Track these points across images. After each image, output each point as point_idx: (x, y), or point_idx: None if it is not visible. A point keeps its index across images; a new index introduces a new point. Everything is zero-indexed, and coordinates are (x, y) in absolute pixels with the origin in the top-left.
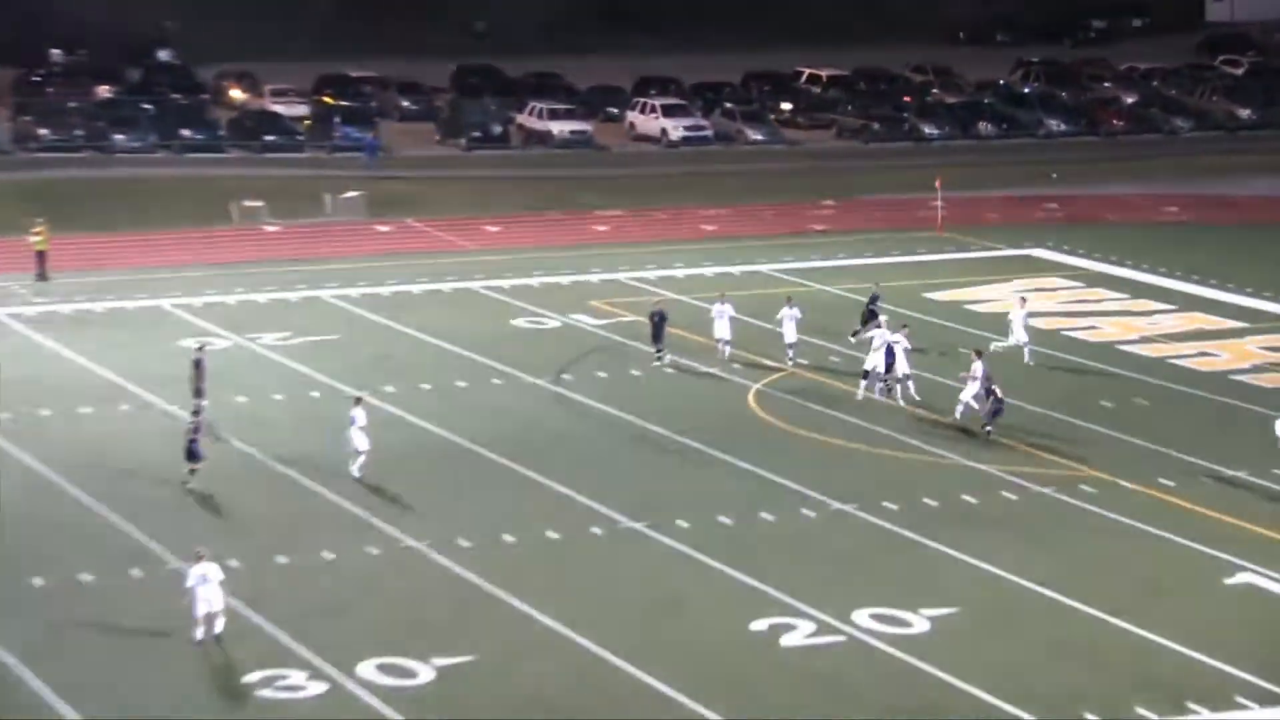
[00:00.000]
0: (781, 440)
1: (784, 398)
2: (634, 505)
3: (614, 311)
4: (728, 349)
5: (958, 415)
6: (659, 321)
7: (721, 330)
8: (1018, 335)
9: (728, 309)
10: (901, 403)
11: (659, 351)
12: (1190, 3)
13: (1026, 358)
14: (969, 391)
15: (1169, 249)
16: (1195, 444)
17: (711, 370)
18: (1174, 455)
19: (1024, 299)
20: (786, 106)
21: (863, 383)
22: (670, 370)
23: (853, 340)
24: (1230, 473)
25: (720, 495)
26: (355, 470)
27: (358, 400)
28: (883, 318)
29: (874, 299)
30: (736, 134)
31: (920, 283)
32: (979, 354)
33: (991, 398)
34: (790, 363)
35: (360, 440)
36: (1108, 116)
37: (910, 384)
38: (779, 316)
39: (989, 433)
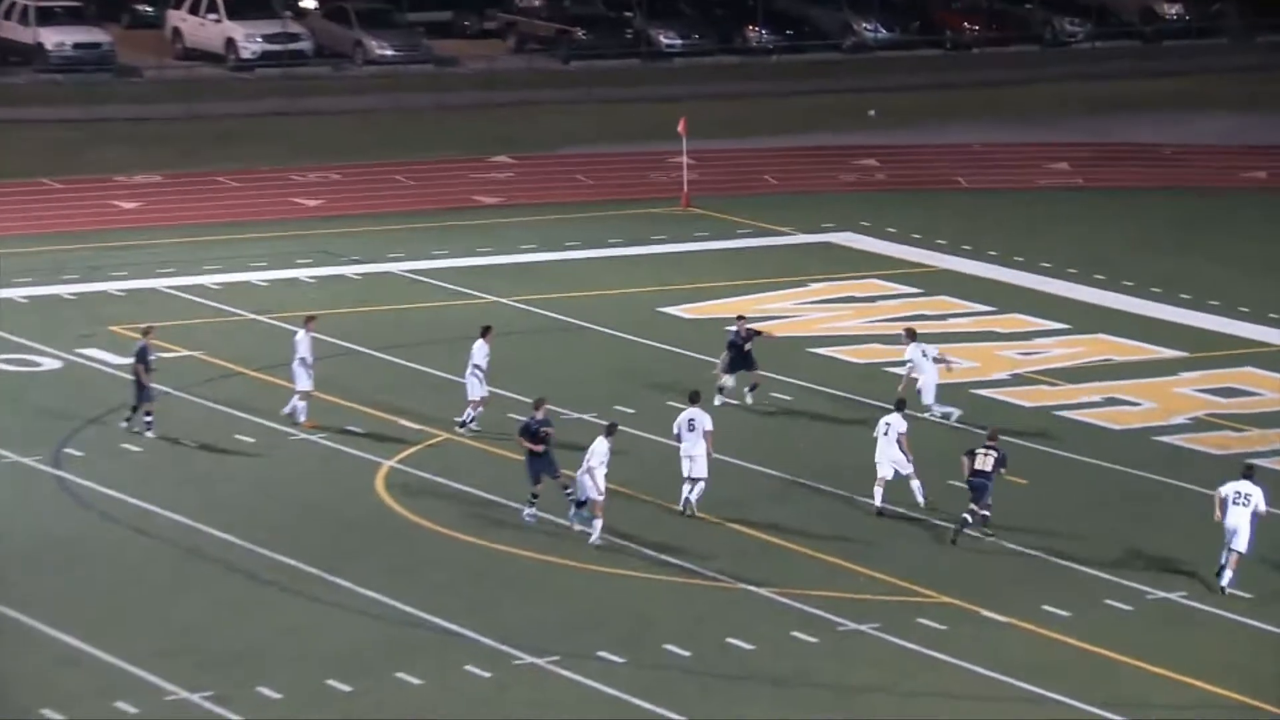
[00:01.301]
0: (427, 550)
1: (432, 481)
2: (188, 670)
3: (160, 345)
4: (296, 409)
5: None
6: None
7: (304, 376)
8: (927, 389)
9: (302, 341)
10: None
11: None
12: None
13: (934, 407)
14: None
15: (1057, 233)
16: (1103, 548)
17: (310, 436)
18: (1067, 567)
19: (911, 331)
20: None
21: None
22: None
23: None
24: (1158, 595)
25: (337, 650)
26: None
27: None
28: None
29: (745, 337)
30: (353, 48)
31: (654, 290)
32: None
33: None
34: (466, 423)
35: None
36: (955, 16)
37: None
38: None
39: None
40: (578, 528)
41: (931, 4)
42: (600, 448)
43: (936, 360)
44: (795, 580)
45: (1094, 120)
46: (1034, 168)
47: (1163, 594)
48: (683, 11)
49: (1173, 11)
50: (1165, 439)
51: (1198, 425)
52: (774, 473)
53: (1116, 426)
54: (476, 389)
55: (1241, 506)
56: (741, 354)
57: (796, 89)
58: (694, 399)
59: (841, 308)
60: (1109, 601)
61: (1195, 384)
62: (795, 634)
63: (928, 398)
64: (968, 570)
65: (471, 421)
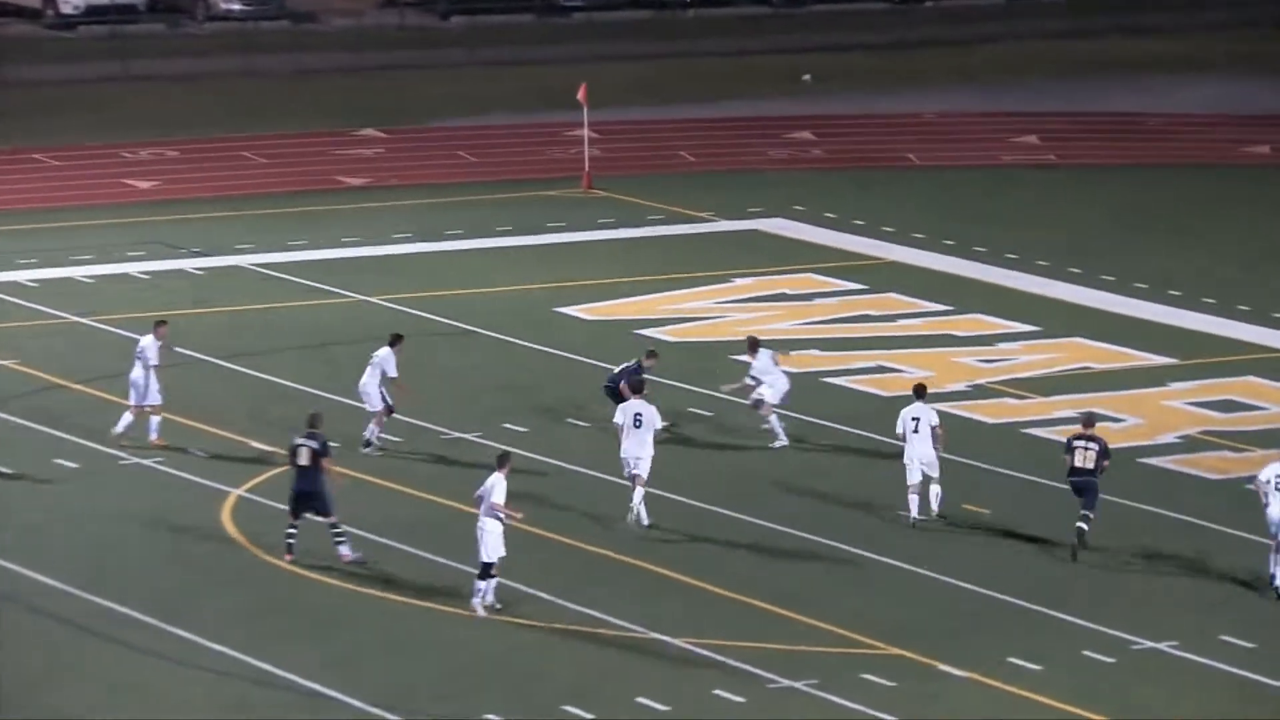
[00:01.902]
0: (277, 591)
1: (280, 511)
2: None
3: None
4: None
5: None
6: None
7: (141, 386)
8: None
9: (150, 348)
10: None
11: None
12: None
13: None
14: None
15: (1026, 219)
16: (1079, 592)
17: (145, 460)
18: (1040, 613)
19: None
20: None
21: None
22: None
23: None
24: (1144, 644)
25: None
26: None
27: None
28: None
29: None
30: (192, 2)
31: (549, 287)
32: None
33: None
34: (373, 444)
35: None
36: None
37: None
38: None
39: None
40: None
41: None
42: (498, 485)
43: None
44: (718, 630)
45: (1069, 86)
46: (998, 142)
47: (1150, 644)
48: None
49: None
50: (1153, 461)
51: (1190, 444)
52: (693, 503)
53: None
54: (377, 401)
55: None
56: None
57: (719, 49)
58: (637, 389)
59: (771, 307)
60: (1087, 652)
61: (1187, 396)
62: (718, 692)
63: (770, 406)
64: (921, 617)
65: (374, 440)
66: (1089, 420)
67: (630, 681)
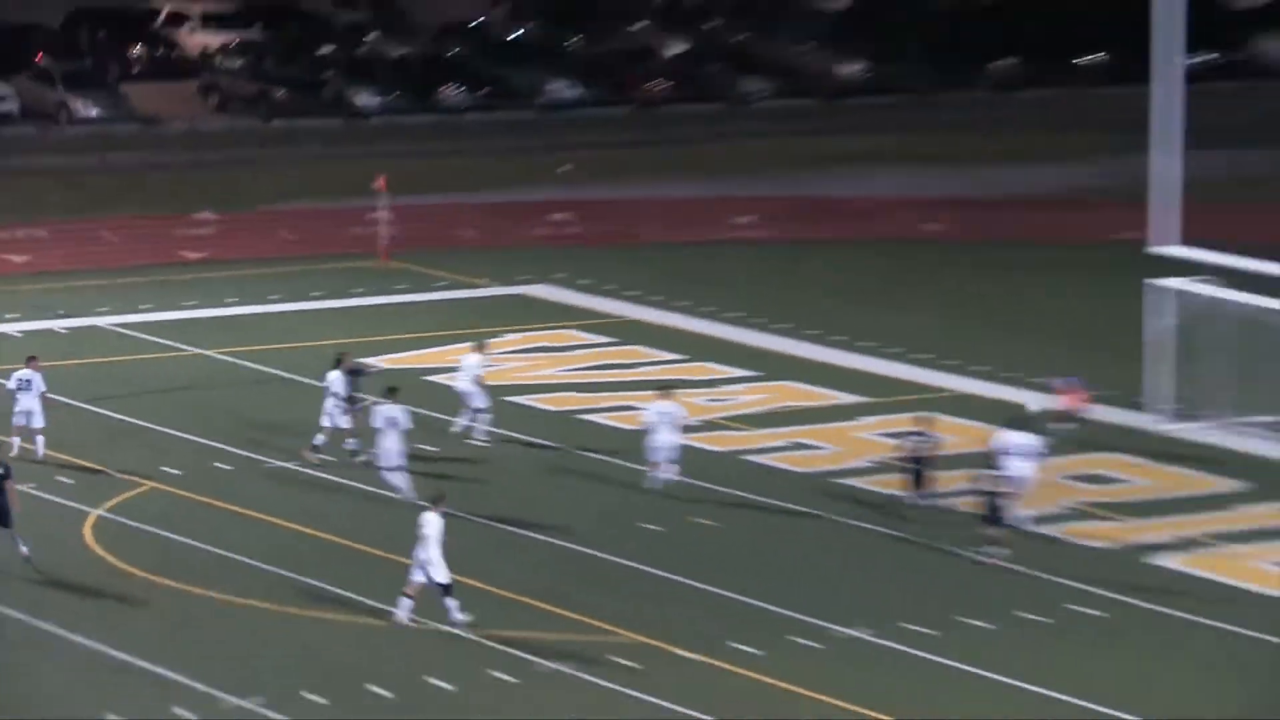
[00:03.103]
0: (135, 595)
1: (140, 529)
2: None
3: None
4: (36, 444)
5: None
6: None
7: (33, 412)
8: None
9: (32, 382)
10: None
11: None
12: None
13: (477, 430)
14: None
15: (745, 283)
16: (789, 587)
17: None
18: (755, 605)
19: (482, 345)
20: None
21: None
22: None
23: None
24: (843, 631)
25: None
26: None
27: None
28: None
29: (357, 371)
30: (57, 109)
31: (355, 341)
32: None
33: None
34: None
35: None
36: (642, 77)
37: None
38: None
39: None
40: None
41: (620, 62)
42: (434, 522)
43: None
44: (494, 622)
45: (778, 176)
46: (721, 222)
47: (851, 631)
48: (379, 71)
49: (853, 71)
50: (846, 481)
51: (880, 469)
52: (467, 516)
53: (801, 470)
54: (340, 419)
55: None
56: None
57: (494, 148)
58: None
59: (537, 357)
60: (797, 639)
61: (874, 428)
62: (494, 673)
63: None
64: (661, 610)
65: (356, 451)
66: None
67: (421, 666)
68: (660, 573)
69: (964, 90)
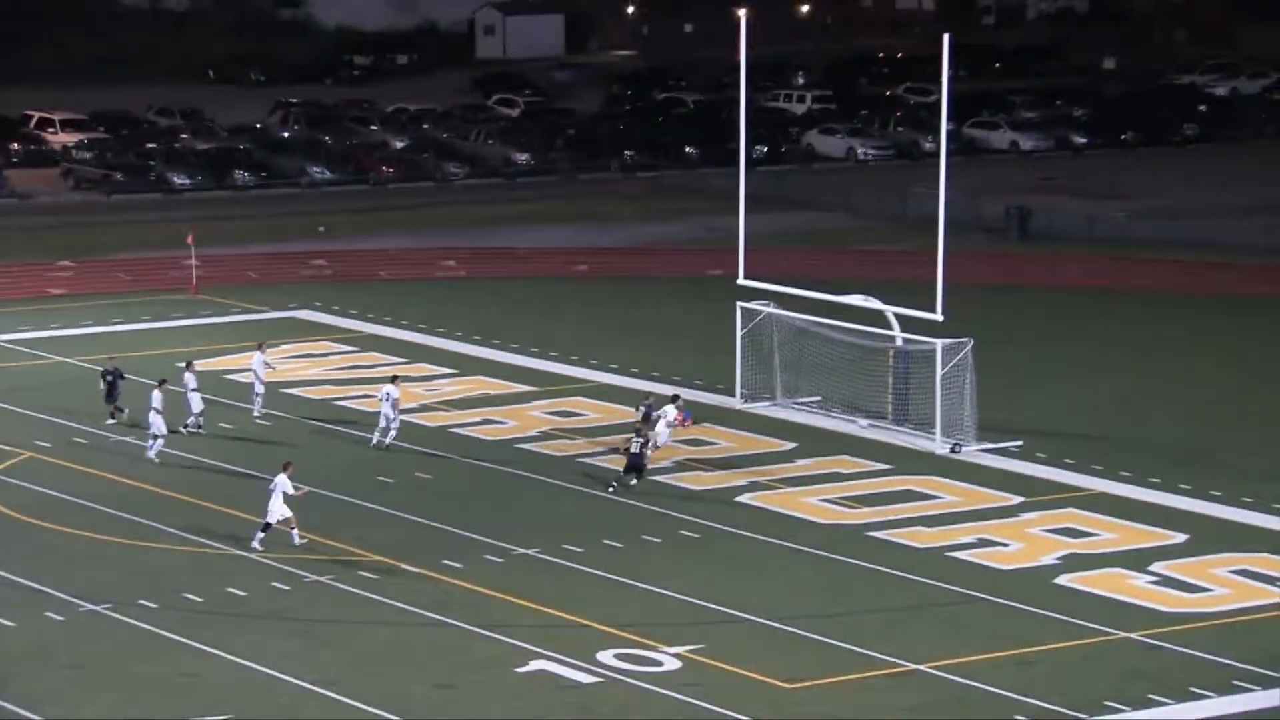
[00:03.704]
0: (18, 534)
1: (20, 485)
2: None
3: None
4: None
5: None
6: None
7: None
8: (258, 386)
9: None
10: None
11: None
12: (460, 39)
13: (256, 411)
14: None
15: (448, 307)
16: (482, 520)
17: None
18: (460, 534)
19: (261, 345)
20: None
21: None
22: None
23: (113, 422)
24: (521, 550)
25: None
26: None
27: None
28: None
29: (114, 374)
30: None
31: (176, 351)
32: None
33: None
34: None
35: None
36: (376, 163)
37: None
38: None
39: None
40: (259, 548)
41: (360, 153)
42: (283, 482)
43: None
44: (275, 548)
45: (472, 231)
46: (432, 265)
47: (523, 550)
48: (189, 159)
49: (522, 158)
50: (525, 446)
51: (545, 437)
52: (258, 474)
53: (490, 438)
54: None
55: None
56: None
57: (268, 212)
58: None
59: (303, 361)
60: (488, 556)
61: (543, 408)
62: (275, 584)
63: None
64: (396, 537)
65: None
66: (646, 416)
67: (223, 580)
68: (393, 511)
69: (601, 172)
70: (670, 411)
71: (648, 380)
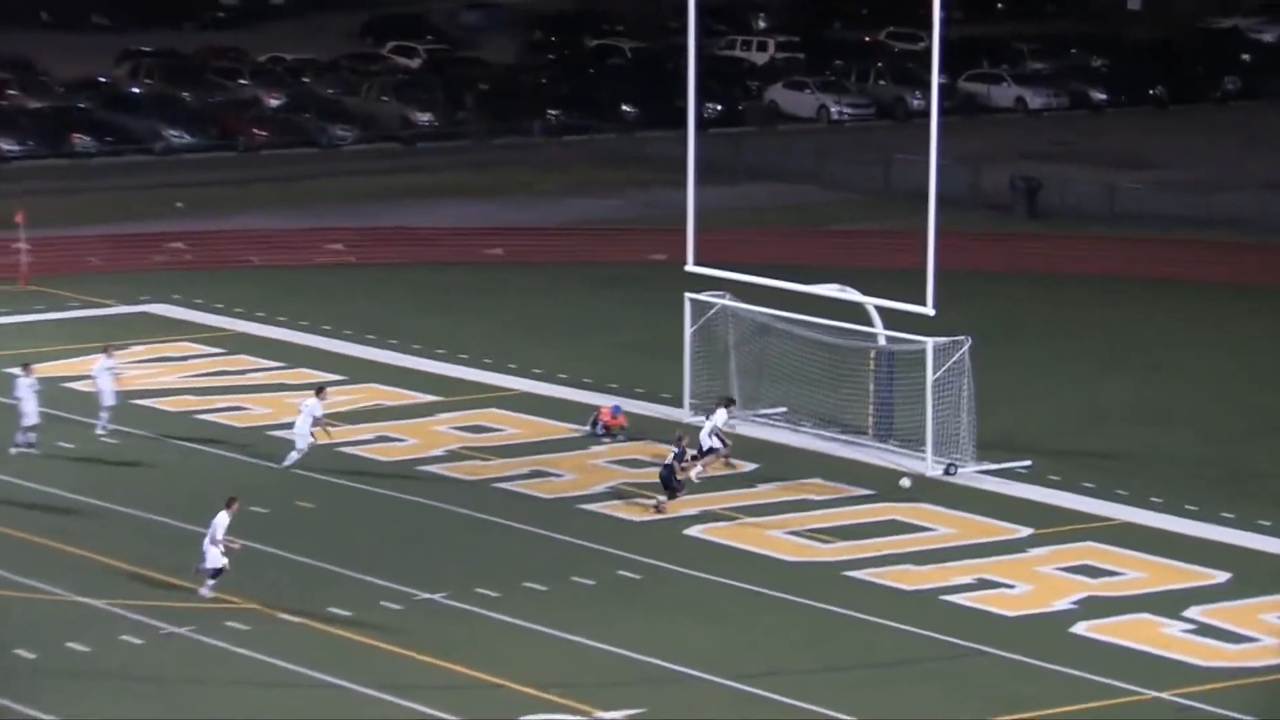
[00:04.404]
0: None
1: None
2: None
3: None
4: None
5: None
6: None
7: None
8: (105, 397)
9: None
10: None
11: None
12: None
13: (100, 427)
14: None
15: (336, 300)
16: (377, 559)
17: None
18: (349, 575)
19: (107, 347)
20: None
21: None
22: None
23: None
24: (424, 595)
25: None
26: None
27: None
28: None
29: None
30: None
31: (1, 354)
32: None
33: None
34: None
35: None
36: (246, 125)
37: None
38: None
39: None
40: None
41: (226, 113)
42: (223, 520)
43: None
44: (126, 594)
45: (362, 208)
46: (315, 248)
47: (427, 595)
48: (18, 121)
49: (424, 119)
50: (427, 468)
51: (453, 457)
52: (104, 504)
53: (386, 459)
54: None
55: None
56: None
57: (113, 184)
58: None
59: (157, 366)
60: (384, 603)
61: (450, 423)
62: (124, 637)
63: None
64: (271, 579)
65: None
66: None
67: (62, 632)
68: (268, 548)
69: (520, 136)
70: (721, 414)
71: (578, 389)
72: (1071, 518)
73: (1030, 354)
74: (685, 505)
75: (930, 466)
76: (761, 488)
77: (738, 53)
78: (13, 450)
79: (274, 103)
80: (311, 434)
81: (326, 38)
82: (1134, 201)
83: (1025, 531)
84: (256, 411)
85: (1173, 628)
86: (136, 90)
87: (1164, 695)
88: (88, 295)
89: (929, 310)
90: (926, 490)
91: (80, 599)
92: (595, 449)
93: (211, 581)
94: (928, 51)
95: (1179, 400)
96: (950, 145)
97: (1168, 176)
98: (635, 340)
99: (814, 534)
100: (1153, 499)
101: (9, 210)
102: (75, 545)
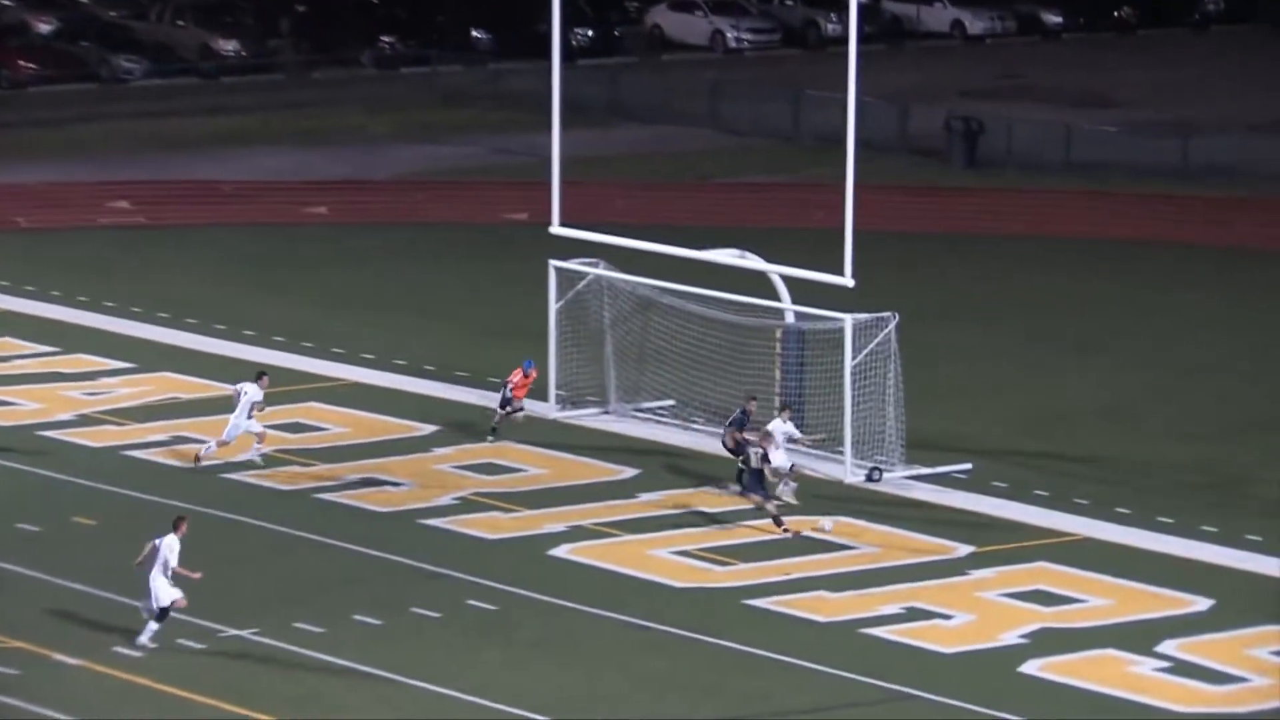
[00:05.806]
0: None
1: None
2: None
3: None
4: None
5: None
6: None
7: None
8: None
9: None
10: None
11: None
12: None
13: None
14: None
15: (120, 270)
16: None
17: None
18: (121, 601)
19: None
20: None
21: None
22: None
23: None
24: (231, 631)
25: None
26: None
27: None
28: None
29: None
30: None
31: None
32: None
33: None
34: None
35: None
36: (11, 56)
37: None
38: None
39: None
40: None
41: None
42: (173, 544)
43: None
44: None
45: (155, 158)
46: (96, 207)
47: (235, 631)
48: None
49: (229, 48)
50: (233, 476)
51: (269, 461)
52: None
53: (182, 464)
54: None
55: None
56: None
57: None
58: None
59: None
60: (181, 640)
61: (270, 420)
62: None
63: None
64: (46, 612)
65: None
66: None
67: None
68: (41, 575)
69: (345, 68)
70: (779, 424)
71: (419, 379)
72: (1020, 533)
73: (969, 334)
74: (548, 519)
75: (850, 471)
76: (643, 497)
77: None
78: None
79: (45, 28)
80: (253, 418)
81: None
82: (1095, 147)
83: (964, 550)
84: (24, 407)
85: (1143, 665)
86: None
87: None
88: None
89: (847, 281)
90: (846, 501)
91: None
92: (439, 451)
93: (155, 627)
94: None
95: (1150, 391)
96: (873, 79)
97: (1135, 117)
98: (488, 319)
99: (707, 554)
100: (1119, 509)
101: None
102: None
